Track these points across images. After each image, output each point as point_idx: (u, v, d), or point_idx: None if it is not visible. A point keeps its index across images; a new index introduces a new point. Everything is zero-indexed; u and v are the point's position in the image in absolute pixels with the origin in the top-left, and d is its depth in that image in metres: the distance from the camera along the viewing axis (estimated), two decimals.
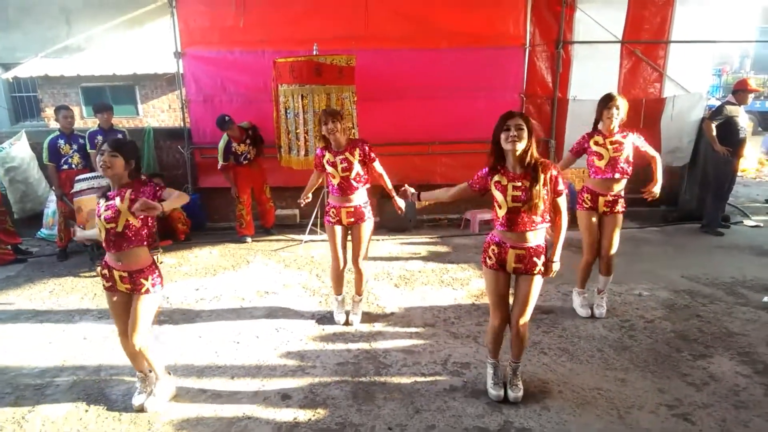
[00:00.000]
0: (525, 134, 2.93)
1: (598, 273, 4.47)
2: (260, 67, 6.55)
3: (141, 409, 3.26)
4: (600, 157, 4.22)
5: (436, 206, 7.56)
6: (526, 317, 3.21)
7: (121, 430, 3.13)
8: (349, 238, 4.34)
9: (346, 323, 4.39)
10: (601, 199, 4.29)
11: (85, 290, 5.22)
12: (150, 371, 3.37)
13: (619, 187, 4.30)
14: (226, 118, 6.20)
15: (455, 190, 3.33)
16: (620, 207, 4.33)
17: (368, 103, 6.27)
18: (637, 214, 7.39)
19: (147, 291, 3.10)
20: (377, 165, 4.27)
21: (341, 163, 4.09)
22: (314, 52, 5.84)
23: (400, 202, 4.30)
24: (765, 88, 17.34)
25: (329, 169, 4.14)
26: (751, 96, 6.79)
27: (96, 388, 3.54)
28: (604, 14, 6.82)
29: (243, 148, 6.39)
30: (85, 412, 3.29)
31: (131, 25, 9.17)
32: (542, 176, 2.98)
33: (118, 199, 2.98)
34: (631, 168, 4.26)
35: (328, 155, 4.16)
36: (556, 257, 3.16)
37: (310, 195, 4.54)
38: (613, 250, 4.39)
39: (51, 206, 6.73)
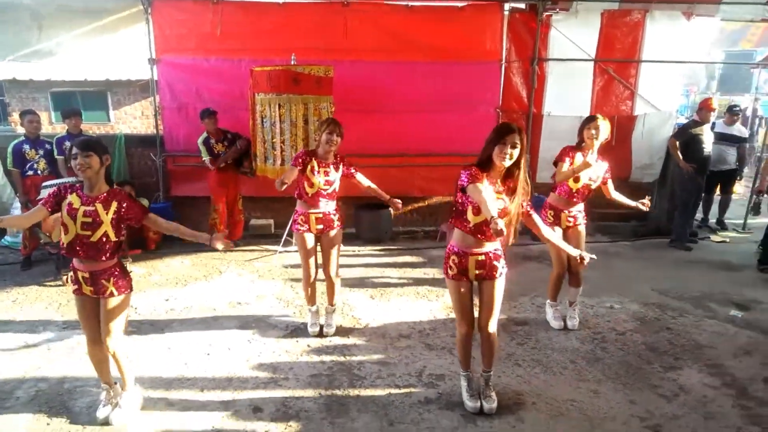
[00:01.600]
0: (517, 152, 2.96)
1: (569, 285, 4.52)
2: (237, 75, 6.50)
3: (106, 422, 3.15)
4: (576, 179, 4.23)
5: (413, 219, 7.58)
6: (493, 322, 3.24)
7: None
8: (319, 248, 4.29)
9: (320, 335, 4.33)
10: (563, 215, 4.36)
11: (50, 300, 5.05)
12: (116, 383, 3.27)
13: (580, 207, 4.40)
14: (210, 110, 6.20)
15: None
16: (582, 219, 4.41)
17: (345, 114, 6.19)
18: (607, 228, 7.51)
19: (111, 294, 3.03)
20: (361, 177, 4.25)
21: (324, 175, 4.05)
22: (292, 62, 5.82)
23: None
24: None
25: (311, 176, 4.03)
26: (711, 114, 6.97)
27: (58, 401, 3.40)
28: (578, 33, 6.96)
29: (220, 148, 6.32)
30: (47, 425, 3.16)
31: (104, 31, 9.01)
32: (521, 195, 3.04)
33: (100, 206, 2.91)
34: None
35: (314, 162, 4.05)
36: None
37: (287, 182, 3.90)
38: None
39: (15, 213, 6.51)
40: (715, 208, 8.12)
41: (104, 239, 2.93)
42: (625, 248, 7.06)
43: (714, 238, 7.52)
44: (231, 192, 6.58)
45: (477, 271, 3.16)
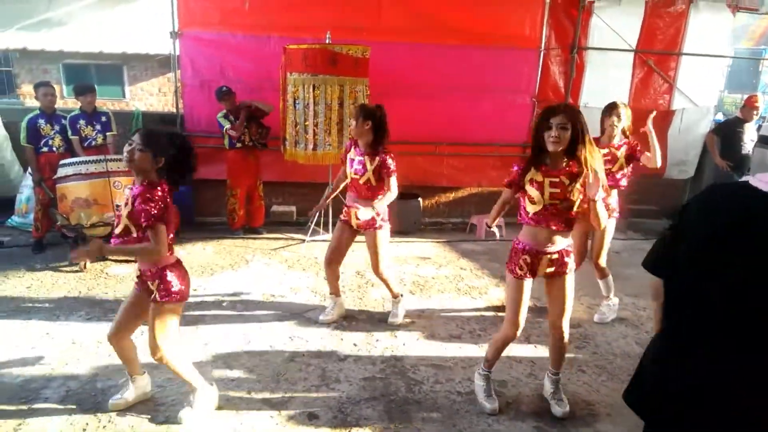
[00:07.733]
0: (568, 134, 2.70)
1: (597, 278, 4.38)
2: (265, 53, 6.12)
3: (115, 410, 2.96)
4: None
5: (440, 210, 7.30)
6: (567, 319, 3.05)
7: None
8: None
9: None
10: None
11: (69, 287, 4.71)
12: (140, 372, 3.08)
13: (612, 198, 4.13)
14: (224, 88, 5.86)
15: (505, 197, 3.06)
16: (615, 212, 4.18)
17: (375, 98, 5.90)
18: (638, 225, 7.29)
19: (155, 300, 2.75)
20: (392, 181, 3.86)
21: (357, 164, 3.89)
22: (327, 41, 5.47)
23: (365, 213, 3.86)
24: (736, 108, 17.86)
25: (348, 165, 3.97)
26: (755, 112, 6.75)
27: (92, 402, 3.09)
28: (619, 21, 6.67)
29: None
30: (83, 430, 2.86)
31: (121, 0, 8.60)
32: (582, 176, 2.77)
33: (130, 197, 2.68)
34: (624, 179, 4.14)
35: (352, 151, 3.97)
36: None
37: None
38: (603, 257, 4.25)
39: (25, 191, 6.14)
40: None
41: (128, 231, 2.71)
42: None
43: None
44: (251, 176, 6.23)
45: (548, 270, 2.96)
